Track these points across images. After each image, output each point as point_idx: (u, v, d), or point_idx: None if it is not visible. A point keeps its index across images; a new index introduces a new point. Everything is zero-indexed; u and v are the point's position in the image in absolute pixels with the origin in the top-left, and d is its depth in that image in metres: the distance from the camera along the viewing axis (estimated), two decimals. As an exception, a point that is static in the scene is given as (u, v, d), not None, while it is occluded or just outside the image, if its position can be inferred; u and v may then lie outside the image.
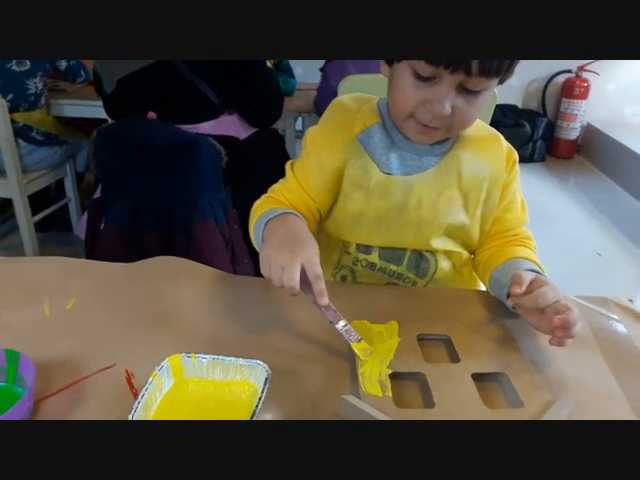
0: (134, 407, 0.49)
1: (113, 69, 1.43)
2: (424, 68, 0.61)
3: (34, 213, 2.09)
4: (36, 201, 2.09)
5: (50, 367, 0.59)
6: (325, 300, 0.59)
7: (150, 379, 0.53)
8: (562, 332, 0.59)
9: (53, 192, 2.31)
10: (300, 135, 0.97)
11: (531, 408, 0.53)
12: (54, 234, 2.34)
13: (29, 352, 0.55)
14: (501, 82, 0.64)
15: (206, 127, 1.45)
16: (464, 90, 0.63)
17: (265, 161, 1.54)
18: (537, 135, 3.58)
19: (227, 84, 1.40)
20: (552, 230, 2.55)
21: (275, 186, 0.80)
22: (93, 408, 0.54)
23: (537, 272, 0.68)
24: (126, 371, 0.58)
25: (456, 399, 0.54)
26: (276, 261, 0.58)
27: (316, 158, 0.76)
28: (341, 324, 0.61)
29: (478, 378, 0.58)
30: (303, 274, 0.58)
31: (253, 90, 1.44)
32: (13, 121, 1.86)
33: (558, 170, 3.49)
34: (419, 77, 0.63)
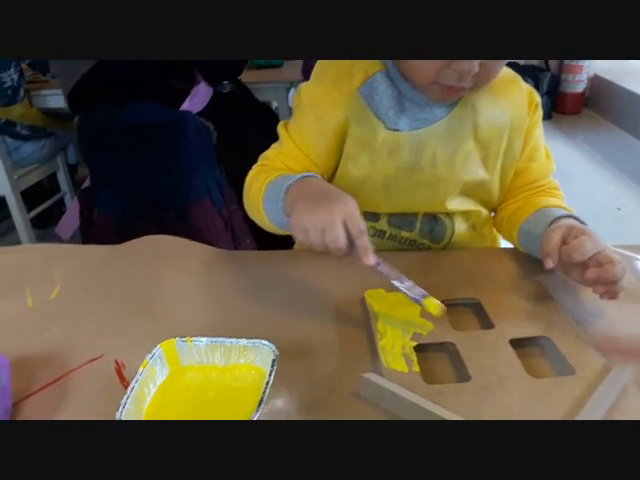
0: (122, 402, 0.42)
1: (73, 67, 1.32)
2: None
3: (29, 210, 2.02)
4: (30, 198, 2.02)
5: (33, 363, 0.53)
6: (370, 259, 0.51)
7: (140, 369, 0.46)
8: (602, 287, 0.52)
9: (47, 187, 2.24)
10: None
11: (584, 375, 0.46)
12: (52, 230, 2.27)
13: (11, 348, 0.50)
14: None
15: (185, 107, 1.36)
16: None
17: (258, 137, 1.45)
18: (542, 91, 3.44)
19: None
20: (566, 189, 2.42)
21: (268, 153, 0.71)
22: (80, 405, 0.47)
23: (574, 218, 0.61)
24: (115, 362, 0.52)
25: (495, 370, 0.47)
26: (314, 223, 0.51)
27: (315, 117, 0.67)
28: (398, 281, 0.52)
29: (517, 344, 0.50)
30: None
31: None
32: (-5, 118, 1.78)
33: (566, 126, 3.36)
34: None
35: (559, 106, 3.61)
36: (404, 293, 0.52)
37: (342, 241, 0.50)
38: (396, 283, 0.52)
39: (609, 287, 0.52)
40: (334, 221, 0.50)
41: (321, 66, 0.69)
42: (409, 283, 0.52)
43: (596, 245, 0.53)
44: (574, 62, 3.50)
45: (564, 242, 0.56)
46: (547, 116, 3.50)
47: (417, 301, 0.51)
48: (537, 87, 3.43)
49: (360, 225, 0.51)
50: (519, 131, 0.67)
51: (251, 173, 0.70)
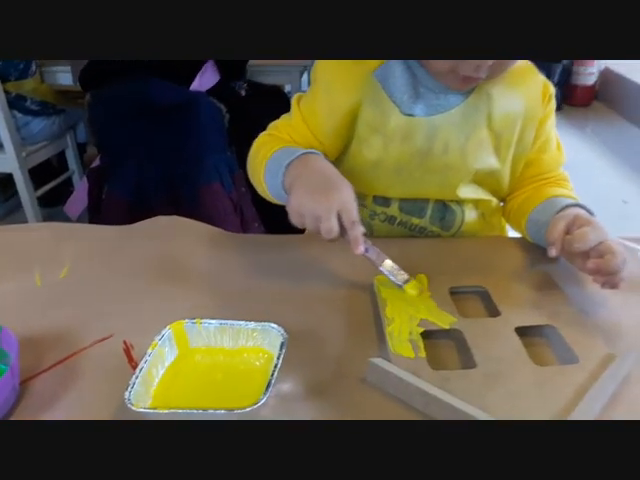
0: (131, 383, 0.42)
1: None
2: None
3: (36, 188, 2.01)
4: (38, 176, 2.02)
5: (41, 342, 0.53)
6: (360, 249, 0.54)
7: (149, 350, 0.46)
8: (602, 278, 0.53)
9: (55, 165, 2.23)
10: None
11: (587, 364, 0.46)
12: (60, 209, 2.27)
13: (19, 327, 0.49)
14: None
15: (196, 86, 1.36)
16: None
17: (269, 120, 1.45)
18: (553, 82, 3.38)
19: None
20: (573, 180, 2.43)
21: (278, 122, 0.71)
22: (88, 384, 0.48)
23: (581, 207, 0.61)
24: (124, 342, 0.52)
25: (500, 357, 0.47)
26: (310, 210, 0.54)
27: (326, 96, 0.67)
28: (387, 265, 0.56)
29: (522, 332, 0.50)
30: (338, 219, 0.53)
31: None
32: (5, 92, 1.76)
33: (576, 118, 3.33)
34: None
35: (569, 98, 3.58)
36: (387, 277, 0.56)
37: (335, 232, 0.53)
38: (382, 269, 0.56)
39: (609, 278, 0.53)
40: (329, 213, 0.52)
41: None
42: (395, 267, 0.56)
43: (599, 236, 0.53)
44: (587, 52, 3.45)
45: (568, 231, 0.56)
46: (557, 107, 3.41)
47: (399, 286, 0.56)
48: (549, 78, 3.37)
49: (353, 216, 0.53)
50: (532, 122, 0.67)
51: (257, 141, 0.71)
